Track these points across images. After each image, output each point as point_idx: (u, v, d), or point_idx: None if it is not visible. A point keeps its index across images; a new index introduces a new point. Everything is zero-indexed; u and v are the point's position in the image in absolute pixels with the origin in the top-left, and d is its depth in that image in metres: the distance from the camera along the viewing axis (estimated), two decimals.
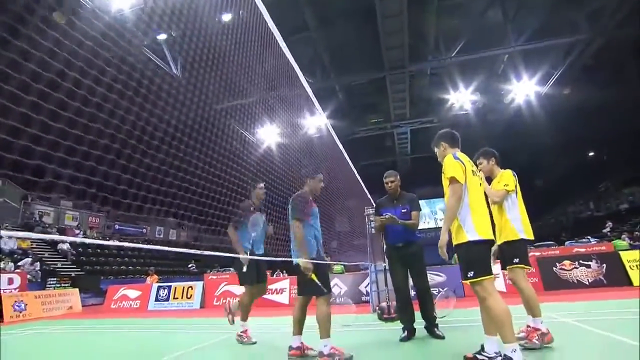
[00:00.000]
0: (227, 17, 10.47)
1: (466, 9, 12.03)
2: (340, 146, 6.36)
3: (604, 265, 6.49)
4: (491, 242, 2.43)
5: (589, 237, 9.30)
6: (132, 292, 8.02)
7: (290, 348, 2.88)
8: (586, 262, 6.57)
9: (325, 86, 14.91)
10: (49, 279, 10.34)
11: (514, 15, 12.03)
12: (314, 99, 4.90)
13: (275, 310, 6.46)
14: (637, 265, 6.28)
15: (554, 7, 11.48)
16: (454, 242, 2.39)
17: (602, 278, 6.49)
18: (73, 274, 11.85)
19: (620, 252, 6.66)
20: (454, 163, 2.42)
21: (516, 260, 2.84)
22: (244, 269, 3.66)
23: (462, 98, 15.38)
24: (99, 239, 16.03)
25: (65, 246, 13.50)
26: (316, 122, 14.22)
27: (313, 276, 2.85)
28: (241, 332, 3.70)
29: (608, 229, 14.10)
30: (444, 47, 12.94)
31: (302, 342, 2.89)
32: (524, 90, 14.31)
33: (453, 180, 2.36)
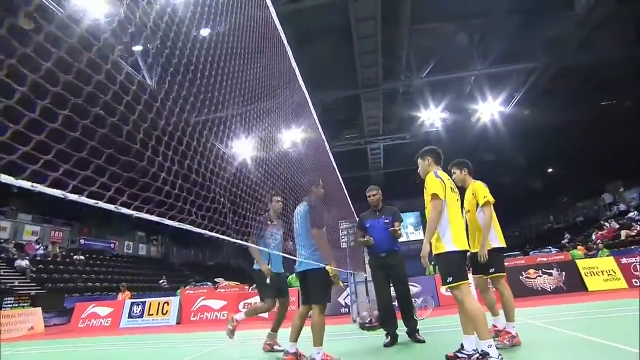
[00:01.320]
0: (205, 32, 10.55)
1: (436, 33, 12.83)
2: (331, 155, 6.43)
3: (563, 273, 7.05)
4: (466, 252, 2.71)
5: (549, 247, 9.98)
6: (103, 310, 7.61)
7: (287, 353, 2.95)
8: (548, 271, 7.10)
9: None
10: (6, 298, 9.57)
11: (479, 41, 12.97)
12: (312, 108, 4.85)
13: (254, 323, 6.39)
14: (591, 272, 6.89)
15: (514, 36, 12.52)
16: (434, 252, 2.64)
17: (562, 285, 7.03)
18: (33, 292, 11.03)
19: (577, 261, 7.28)
20: (435, 181, 2.66)
21: (492, 269, 3.10)
22: (267, 281, 3.58)
23: (432, 116, 16.16)
24: (61, 254, 15.08)
25: (24, 263, 12.59)
26: (311, 131, 14.33)
27: (339, 282, 2.95)
28: (269, 342, 3.66)
29: (566, 240, 15.13)
30: (415, 67, 13.64)
31: (297, 349, 2.97)
32: (489, 110, 15.28)
33: (435, 196, 2.60)
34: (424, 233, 2.72)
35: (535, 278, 7.07)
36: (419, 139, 18.06)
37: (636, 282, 6.68)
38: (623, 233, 11.37)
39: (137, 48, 11.88)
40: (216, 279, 7.69)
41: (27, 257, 13.23)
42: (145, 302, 7.42)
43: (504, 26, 12.26)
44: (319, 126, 5.45)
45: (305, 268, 2.94)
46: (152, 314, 7.21)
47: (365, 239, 3.86)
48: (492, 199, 3.18)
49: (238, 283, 8.56)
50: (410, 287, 3.93)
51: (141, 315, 7.25)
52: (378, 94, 14.78)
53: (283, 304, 3.82)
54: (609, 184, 17.76)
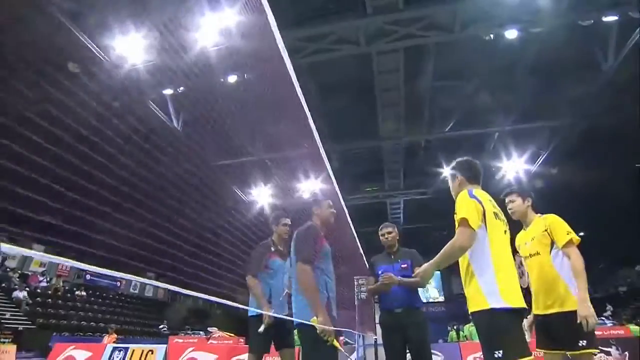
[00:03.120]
0: (232, 79, 11.08)
1: (458, 89, 12.94)
2: (344, 206, 6.04)
3: (626, 353, 5.61)
4: (523, 312, 1.83)
5: (603, 318, 8.48)
6: (81, 353, 6.78)
7: None
8: (605, 349, 5.72)
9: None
10: None
11: (500, 99, 12.92)
12: (326, 159, 4.69)
13: None
14: None
15: (537, 93, 12.41)
16: (471, 309, 1.84)
17: None
18: (21, 327, 10.38)
19: None
20: (468, 201, 1.90)
21: (583, 342, 2.09)
22: (260, 330, 2.70)
23: None
24: (63, 289, 14.62)
25: (22, 294, 12.17)
26: (323, 182, 14.14)
27: (335, 342, 2.03)
28: None
29: (609, 313, 13.31)
30: (438, 122, 13.61)
31: None
32: (514, 167, 14.73)
33: (464, 222, 1.83)
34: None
35: None
36: (440, 196, 17.48)
37: None
38: None
39: (168, 92, 12.47)
40: (209, 328, 6.84)
41: (27, 289, 12.83)
42: (128, 348, 6.58)
43: (527, 84, 12.21)
44: (333, 178, 5.26)
45: (296, 322, 2.22)
46: None
47: (379, 283, 3.14)
48: (577, 239, 2.40)
49: (232, 335, 7.62)
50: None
51: None
52: (399, 147, 14.69)
53: (285, 357, 2.90)
54: None
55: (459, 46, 10.92)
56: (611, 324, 7.88)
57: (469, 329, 6.90)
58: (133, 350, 6.41)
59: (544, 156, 14.25)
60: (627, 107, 12.32)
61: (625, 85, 11.27)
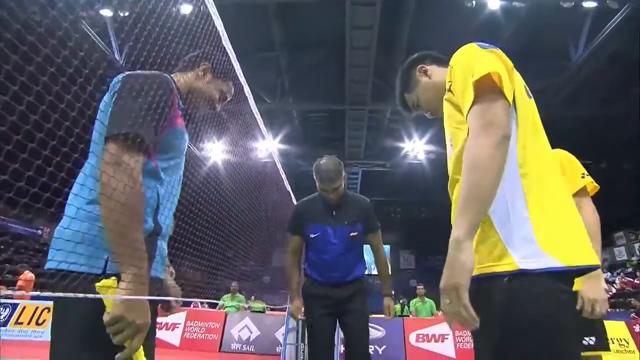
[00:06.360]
0: (187, 9, 9.55)
1: None
2: (284, 175, 5.31)
3: None
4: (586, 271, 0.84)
5: None
6: None
7: None
8: None
9: (283, 109, 14.32)
10: None
11: None
12: (261, 122, 4.01)
13: (161, 355, 4.78)
14: None
15: None
16: (475, 272, 0.77)
17: None
18: None
19: None
20: (485, 53, 0.88)
21: (590, 340, 1.49)
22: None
23: (417, 147, 15.60)
24: None
25: None
26: (262, 145, 13.26)
27: (140, 356, 0.83)
28: None
29: None
30: None
31: None
32: None
33: (485, 85, 0.80)
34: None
35: None
36: (399, 170, 17.51)
37: None
38: None
39: (106, 13, 10.56)
40: None
41: None
42: (17, 305, 5.36)
43: None
44: (265, 132, 4.57)
45: (54, 266, 0.85)
46: (21, 323, 5.25)
47: (296, 304, 2.26)
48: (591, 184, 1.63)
49: None
50: (371, 329, 2.51)
51: (5, 324, 5.27)
52: (364, 114, 14.08)
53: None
54: None
55: (438, 13, 10.26)
56: None
57: (415, 304, 6.55)
58: (24, 308, 5.20)
59: None
60: (582, 103, 12.73)
61: (586, 80, 11.49)
